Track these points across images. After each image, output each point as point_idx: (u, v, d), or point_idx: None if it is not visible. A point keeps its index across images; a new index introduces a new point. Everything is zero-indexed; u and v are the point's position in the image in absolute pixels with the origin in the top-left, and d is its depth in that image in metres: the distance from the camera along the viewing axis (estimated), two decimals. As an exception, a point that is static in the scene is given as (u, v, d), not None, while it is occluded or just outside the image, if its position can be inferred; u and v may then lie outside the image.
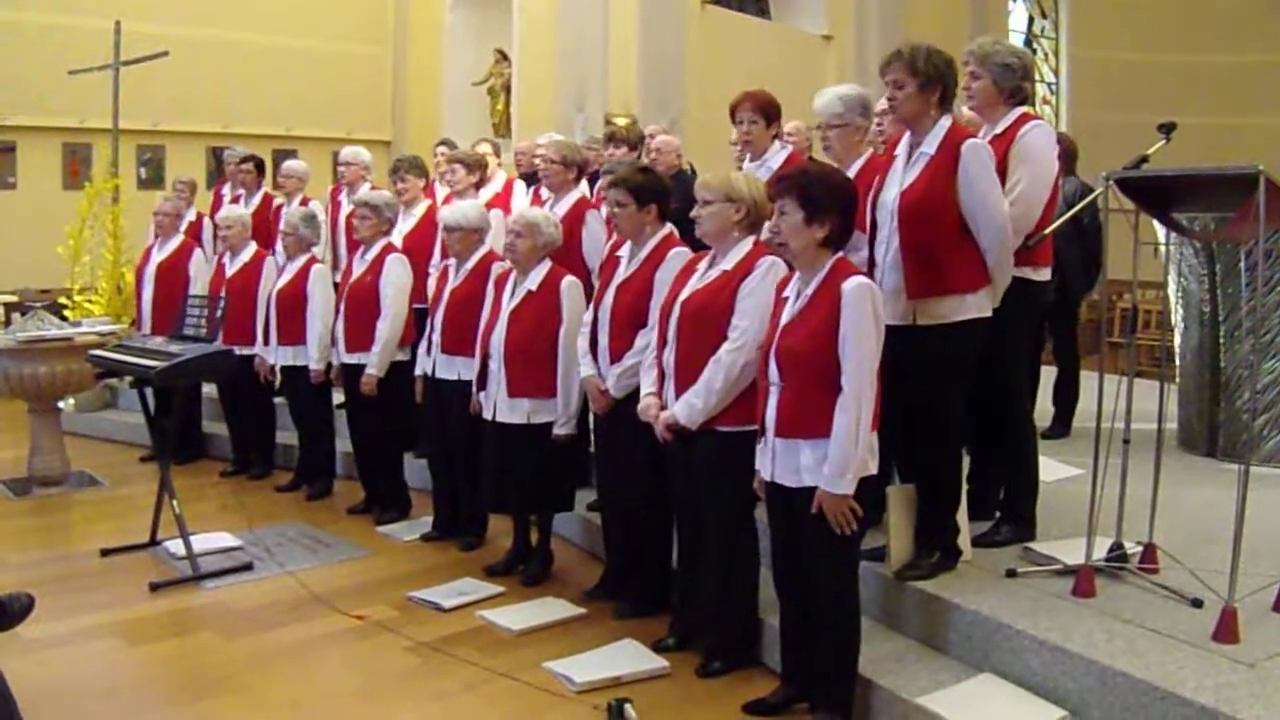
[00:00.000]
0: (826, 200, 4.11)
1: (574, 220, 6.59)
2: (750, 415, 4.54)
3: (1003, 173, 4.91)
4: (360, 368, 7.14)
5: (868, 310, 4.01)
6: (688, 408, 4.72)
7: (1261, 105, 18.58)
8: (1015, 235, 4.85)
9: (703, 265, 4.90)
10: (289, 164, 9.85)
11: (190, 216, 9.92)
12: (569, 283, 5.94)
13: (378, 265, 7.17)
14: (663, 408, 4.88)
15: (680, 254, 5.25)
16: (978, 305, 4.69)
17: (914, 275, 4.62)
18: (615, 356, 5.35)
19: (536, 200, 7.47)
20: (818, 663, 4.32)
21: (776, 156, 5.68)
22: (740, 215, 4.75)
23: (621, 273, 5.41)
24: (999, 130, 5.06)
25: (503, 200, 8.26)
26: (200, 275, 8.99)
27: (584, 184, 7.11)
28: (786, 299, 4.28)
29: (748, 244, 4.78)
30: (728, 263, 4.77)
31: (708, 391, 4.65)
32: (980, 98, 5.10)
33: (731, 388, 4.63)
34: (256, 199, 9.84)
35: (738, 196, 4.74)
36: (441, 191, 8.48)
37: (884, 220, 4.71)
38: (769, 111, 5.68)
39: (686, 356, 4.76)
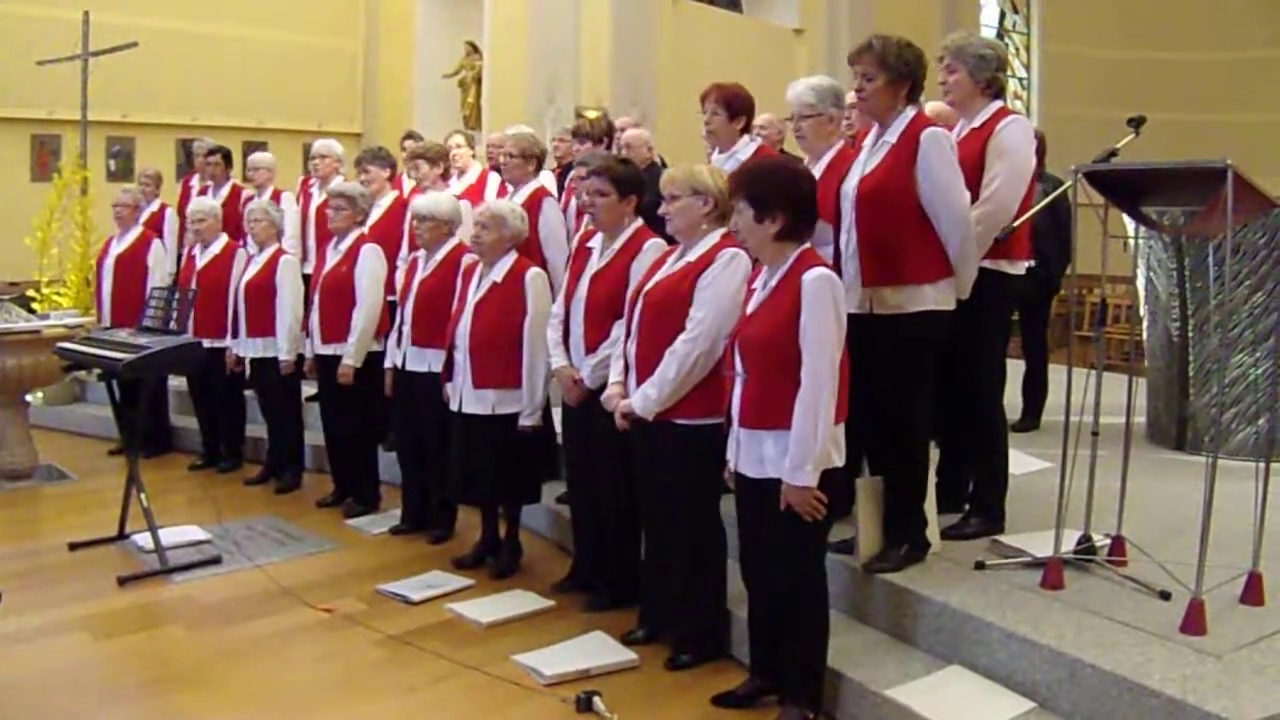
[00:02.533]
0: (772, 196, 4.11)
1: (530, 208, 6.61)
2: (713, 408, 4.55)
3: (980, 167, 4.94)
4: (336, 359, 7.11)
5: (828, 301, 4.00)
6: (643, 398, 4.73)
7: (1231, 102, 18.68)
8: (991, 230, 4.87)
9: (672, 258, 4.91)
10: (256, 156, 9.82)
11: (153, 208, 9.85)
12: (534, 274, 5.96)
13: (352, 256, 7.14)
14: (625, 397, 4.88)
15: (656, 245, 5.23)
16: (936, 297, 4.68)
17: (869, 263, 4.63)
18: (591, 347, 5.34)
19: (503, 192, 7.48)
20: (785, 655, 4.33)
21: (745, 150, 5.67)
22: (708, 208, 4.75)
23: (595, 264, 5.39)
24: (976, 124, 5.07)
25: (476, 192, 8.23)
26: (159, 267, 9.00)
27: (545, 174, 7.12)
28: (754, 289, 4.28)
29: (715, 236, 4.78)
30: (692, 255, 4.78)
31: (662, 382, 4.67)
32: (956, 91, 5.11)
33: (686, 379, 4.64)
34: (225, 191, 9.78)
35: (704, 189, 4.74)
36: (408, 184, 8.47)
37: (846, 209, 4.71)
38: (733, 105, 5.66)
39: (646, 347, 4.78)
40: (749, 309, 4.25)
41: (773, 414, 4.08)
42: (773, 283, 4.17)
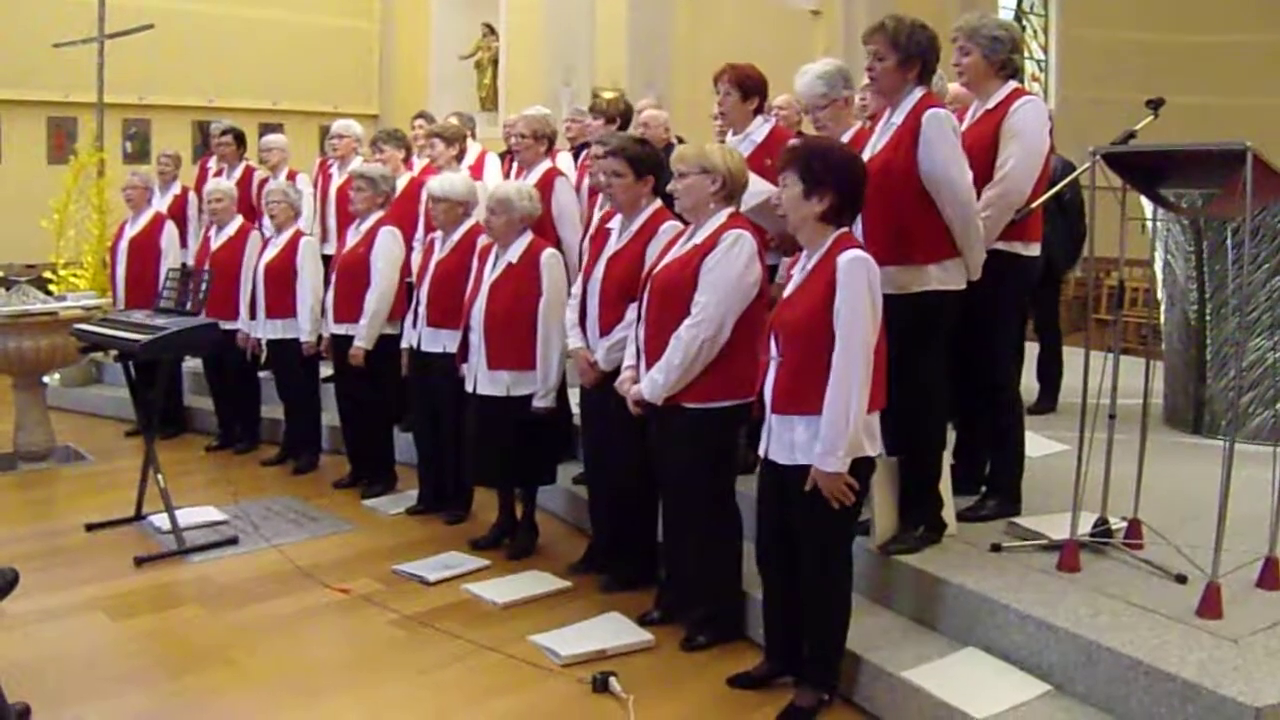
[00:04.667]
0: (825, 175, 4.07)
1: (543, 188, 6.63)
2: (723, 390, 4.56)
3: (994, 148, 4.92)
4: (349, 339, 7.11)
5: (862, 285, 3.97)
6: (650, 384, 4.73)
7: (1251, 85, 18.55)
8: (1005, 211, 4.85)
9: (682, 240, 4.89)
10: (270, 138, 9.80)
11: (174, 190, 9.85)
12: (549, 255, 5.96)
13: (371, 237, 7.15)
14: (638, 383, 4.88)
15: (672, 227, 5.21)
16: (940, 277, 4.67)
17: (875, 243, 4.60)
18: (605, 329, 5.33)
19: (519, 173, 7.48)
20: (807, 637, 4.33)
21: (760, 130, 5.67)
22: (716, 187, 4.73)
23: (612, 245, 5.39)
24: (990, 105, 5.04)
25: (474, 173, 8.30)
26: (171, 249, 9.02)
27: (563, 156, 7.11)
28: (793, 274, 4.26)
29: (721, 216, 4.76)
30: (699, 237, 4.77)
31: (668, 368, 4.66)
32: (970, 73, 5.08)
33: (692, 364, 4.63)
34: (238, 172, 9.78)
35: (713, 168, 4.72)
36: (419, 164, 8.49)
37: None
38: (745, 85, 5.65)
39: (654, 331, 4.77)
40: (787, 292, 4.23)
41: (804, 398, 4.06)
42: (810, 265, 4.15)
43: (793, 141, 4.55)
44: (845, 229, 4.17)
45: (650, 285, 4.84)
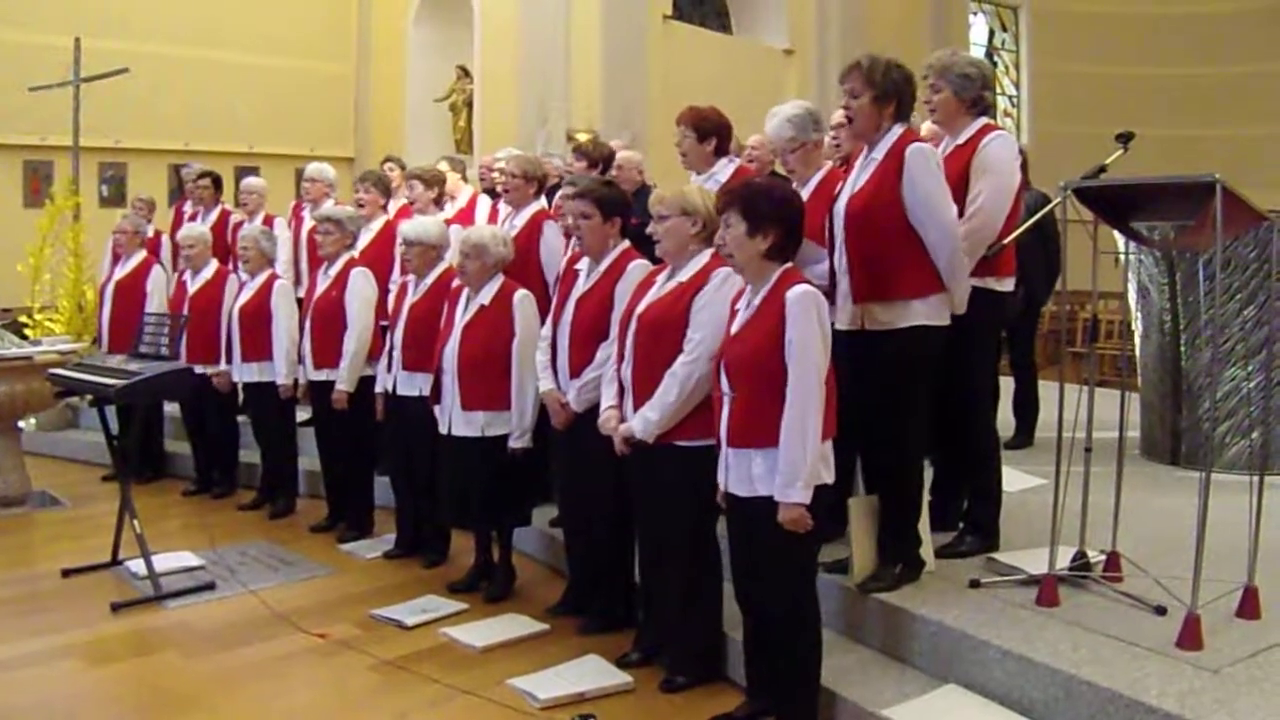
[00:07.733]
0: (769, 212, 4.13)
1: (531, 231, 6.65)
2: (713, 428, 4.54)
3: (965, 183, 4.94)
4: (328, 384, 7.11)
5: (812, 318, 4.02)
6: (643, 421, 4.70)
7: (1220, 117, 18.76)
8: (978, 246, 4.87)
9: (661, 278, 4.89)
10: (249, 181, 9.82)
11: (147, 234, 9.80)
12: (521, 296, 5.97)
13: (342, 280, 7.15)
14: (622, 420, 4.87)
15: (640, 266, 5.24)
16: (926, 312, 4.68)
17: (860, 280, 4.64)
18: (576, 370, 5.33)
19: (494, 217, 7.47)
20: (780, 675, 4.32)
21: (724, 171, 5.69)
22: (697, 229, 4.74)
23: (581, 286, 5.40)
24: (961, 141, 5.07)
25: (466, 216, 8.30)
26: (158, 292, 8.96)
27: (543, 197, 7.11)
28: (737, 310, 4.29)
29: (705, 256, 4.77)
30: (684, 275, 4.77)
31: (662, 405, 4.64)
32: (942, 110, 5.11)
33: (686, 400, 4.62)
34: (213, 215, 9.80)
35: (693, 210, 4.74)
36: (393, 206, 8.48)
37: (838, 228, 4.73)
38: (701, 127, 5.68)
39: (643, 369, 4.75)
40: (734, 328, 4.27)
41: (760, 432, 4.09)
42: (756, 301, 4.19)
43: (729, 184, 4.57)
44: (789, 265, 4.20)
45: (636, 324, 4.83)
